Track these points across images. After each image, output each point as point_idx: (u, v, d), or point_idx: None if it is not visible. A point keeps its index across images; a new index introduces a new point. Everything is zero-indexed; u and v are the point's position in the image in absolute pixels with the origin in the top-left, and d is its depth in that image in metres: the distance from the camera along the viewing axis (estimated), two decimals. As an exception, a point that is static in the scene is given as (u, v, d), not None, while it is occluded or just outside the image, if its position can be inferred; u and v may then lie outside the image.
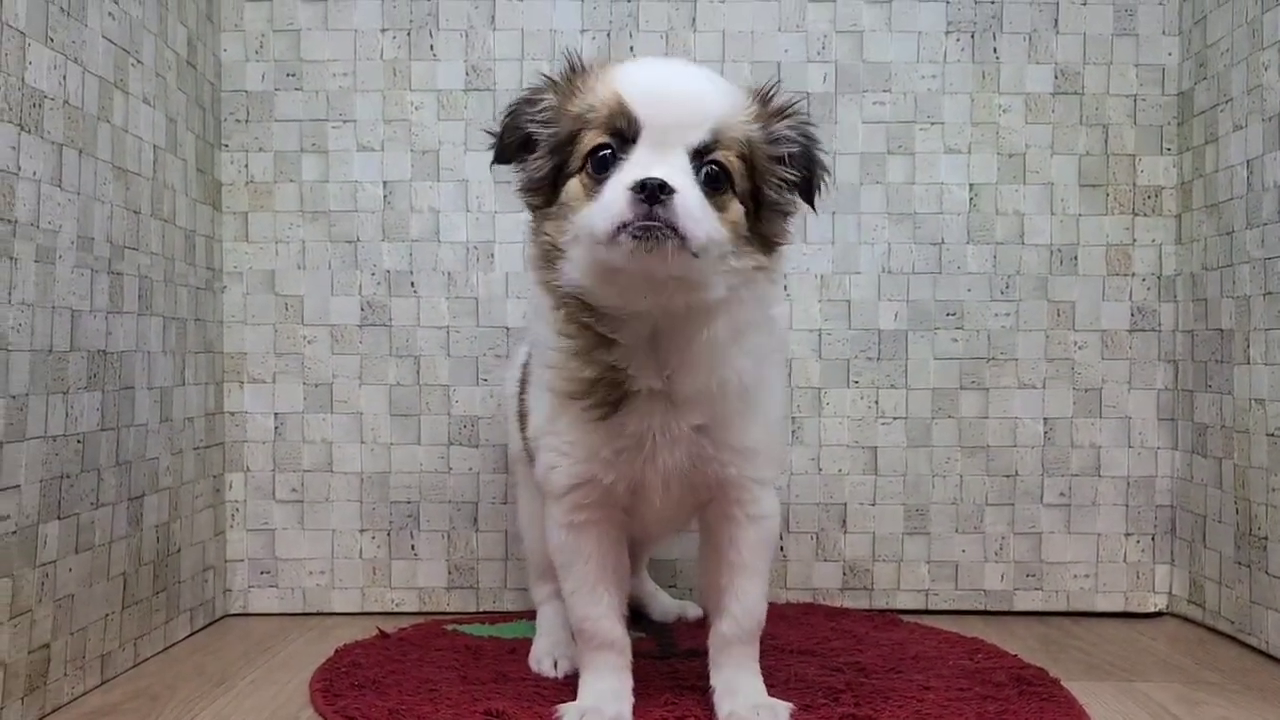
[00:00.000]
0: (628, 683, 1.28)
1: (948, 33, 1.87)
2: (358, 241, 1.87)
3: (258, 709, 1.36)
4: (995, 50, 1.87)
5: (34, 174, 1.29)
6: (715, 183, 1.10)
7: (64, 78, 1.35)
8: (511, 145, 1.18)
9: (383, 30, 1.86)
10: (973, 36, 1.87)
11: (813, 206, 1.22)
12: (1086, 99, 1.87)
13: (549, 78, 1.18)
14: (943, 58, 1.87)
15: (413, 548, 1.87)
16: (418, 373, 1.87)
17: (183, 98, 1.70)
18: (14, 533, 1.25)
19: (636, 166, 1.06)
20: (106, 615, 1.46)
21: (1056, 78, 1.87)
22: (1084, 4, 1.86)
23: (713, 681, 1.28)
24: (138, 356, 1.54)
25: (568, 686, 1.39)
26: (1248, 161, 1.66)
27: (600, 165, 1.09)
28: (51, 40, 1.32)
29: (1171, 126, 1.87)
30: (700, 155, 1.09)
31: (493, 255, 1.87)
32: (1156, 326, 1.88)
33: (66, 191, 1.36)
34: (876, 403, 1.88)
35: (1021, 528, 1.88)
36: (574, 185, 1.12)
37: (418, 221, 1.87)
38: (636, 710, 1.27)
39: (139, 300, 1.55)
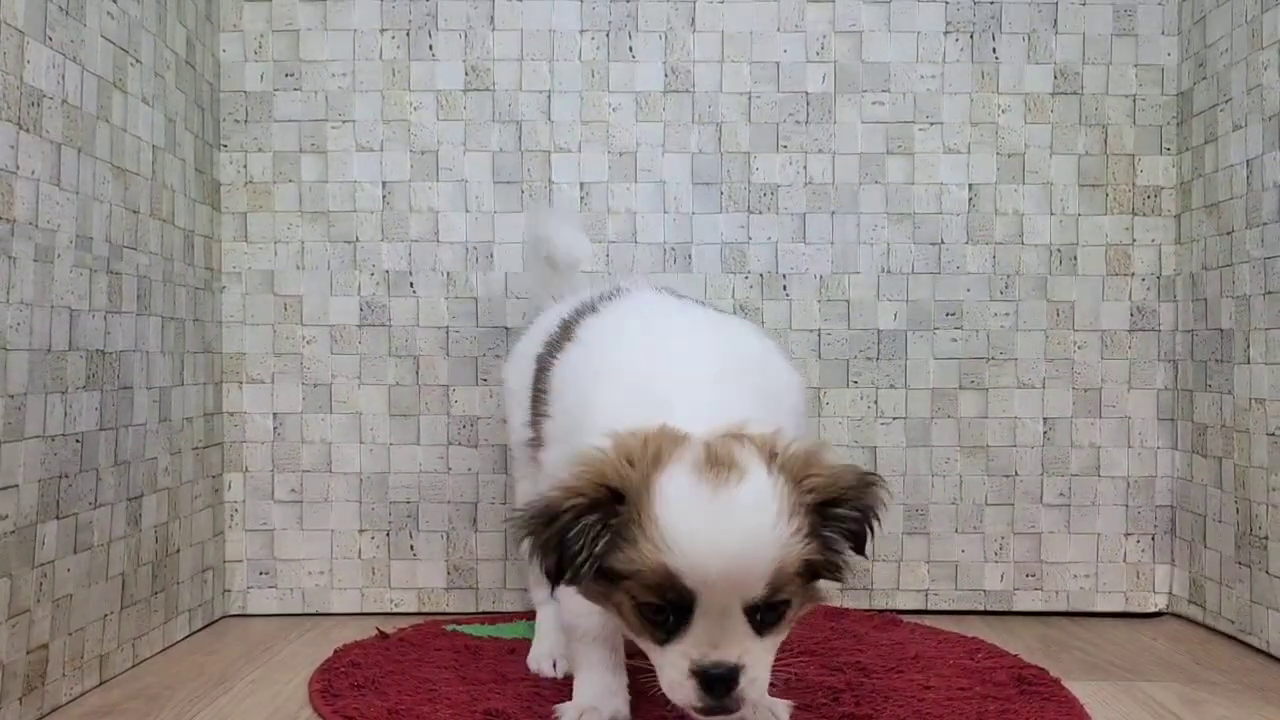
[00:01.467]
0: (623, 679, 1.24)
1: (946, 33, 1.87)
2: (357, 242, 1.87)
3: (257, 709, 1.36)
4: (994, 50, 1.87)
5: (32, 173, 1.29)
6: (776, 618, 1.05)
7: (63, 77, 1.35)
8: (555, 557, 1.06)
9: (382, 30, 1.86)
10: (971, 37, 1.87)
11: (862, 554, 1.13)
12: (1086, 99, 1.87)
13: (585, 498, 1.04)
14: (942, 58, 1.87)
15: (412, 548, 1.87)
16: (417, 373, 1.87)
17: (181, 97, 1.70)
18: (12, 532, 1.24)
19: (696, 643, 1.01)
20: (105, 615, 1.46)
21: (1055, 78, 1.87)
22: (1083, 4, 1.87)
23: None
24: (136, 356, 1.54)
25: (567, 687, 1.39)
26: (1247, 161, 1.66)
27: (653, 614, 1.03)
28: (50, 39, 1.32)
29: (1171, 126, 1.88)
30: (758, 607, 1.03)
31: (492, 255, 1.87)
32: (1156, 326, 1.88)
33: (65, 191, 1.36)
34: (876, 403, 1.88)
35: (1021, 528, 1.88)
36: (628, 607, 1.05)
37: (417, 222, 1.87)
38: (638, 713, 1.27)
39: (138, 300, 1.55)
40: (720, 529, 0.99)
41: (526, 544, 1.07)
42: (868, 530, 1.09)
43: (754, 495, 1.01)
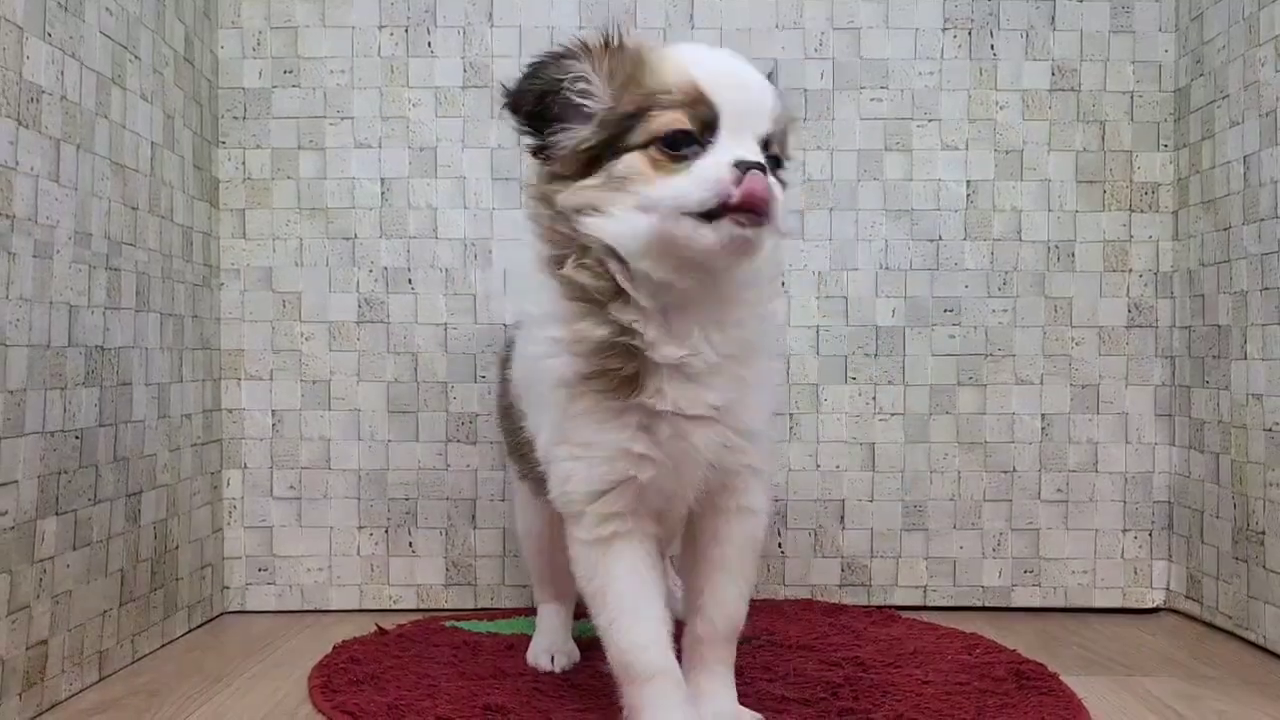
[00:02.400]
0: (694, 717, 1.14)
1: (945, 29, 1.87)
2: (355, 238, 1.87)
3: (256, 705, 1.36)
4: (992, 47, 1.87)
5: (31, 169, 1.29)
6: (775, 170, 1.08)
7: (61, 73, 1.35)
8: (535, 99, 1.12)
9: (380, 27, 1.86)
10: (970, 33, 1.87)
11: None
12: (1083, 96, 1.87)
13: (581, 43, 1.13)
14: (940, 54, 1.87)
15: (410, 545, 1.87)
16: (415, 370, 1.87)
17: (180, 94, 1.70)
18: (12, 528, 1.24)
19: (725, 150, 1.04)
20: (104, 612, 1.46)
21: (1053, 74, 1.87)
22: (1080, 1, 1.87)
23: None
24: (135, 353, 1.54)
25: (566, 682, 1.40)
26: (1244, 157, 1.67)
27: (673, 145, 1.05)
28: (49, 35, 1.32)
29: (1168, 123, 1.88)
30: (765, 144, 1.08)
31: (490, 252, 1.87)
32: (1153, 322, 1.88)
33: (64, 187, 1.36)
34: (874, 399, 1.88)
35: (1019, 524, 1.88)
36: (636, 160, 1.06)
37: (415, 218, 1.87)
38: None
39: (136, 296, 1.55)
40: (737, 63, 1.10)
41: (516, 96, 1.11)
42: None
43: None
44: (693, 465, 1.13)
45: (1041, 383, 1.88)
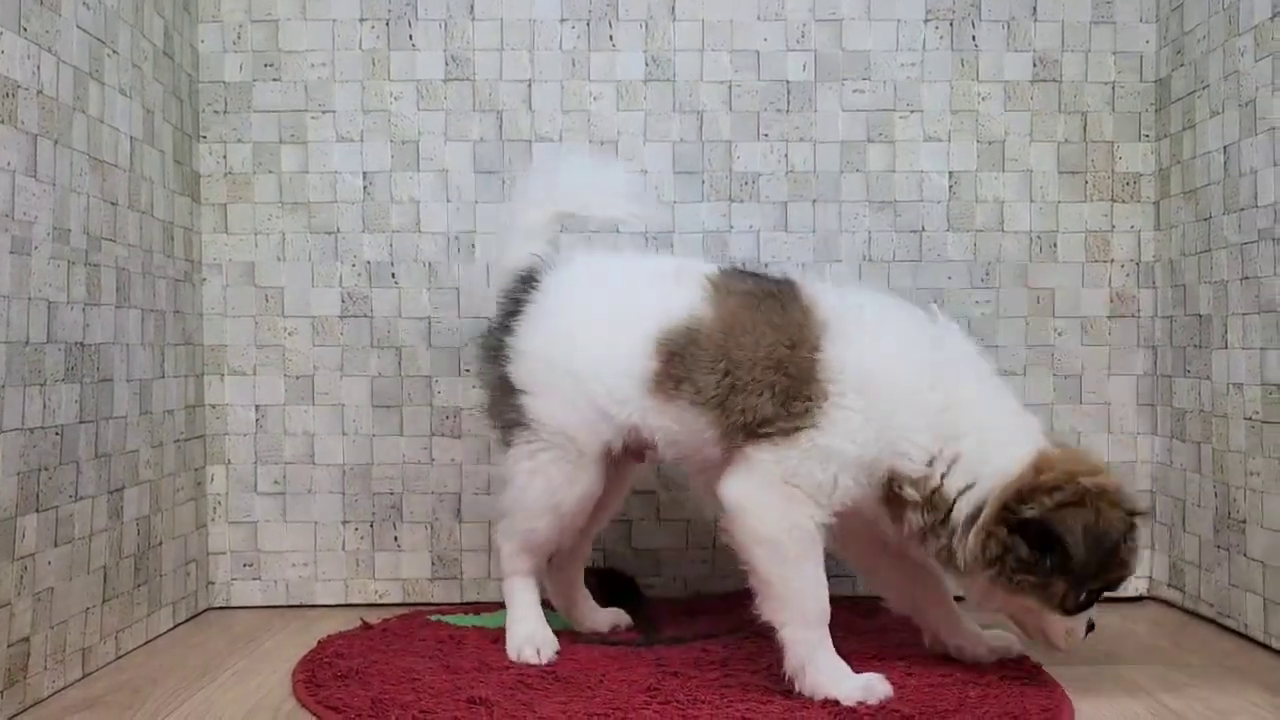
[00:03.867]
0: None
1: (926, 21, 1.88)
2: (338, 232, 1.86)
3: (240, 700, 1.36)
4: (974, 38, 1.88)
5: (8, 164, 1.28)
6: None
7: (38, 67, 1.34)
8: None
9: (361, 20, 1.86)
10: (951, 25, 1.88)
11: None
12: (1065, 86, 1.88)
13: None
14: (922, 46, 1.88)
15: (396, 539, 1.87)
16: (399, 364, 1.87)
17: (160, 89, 1.69)
18: (-8, 525, 1.24)
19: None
20: (87, 609, 1.45)
21: (1035, 65, 1.88)
22: (1062, -9, 1.87)
23: None
24: (116, 349, 1.54)
25: (549, 674, 1.40)
26: (1224, 147, 1.67)
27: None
28: (25, 30, 1.31)
29: (1149, 113, 1.88)
30: None
31: (474, 245, 1.86)
32: (1136, 312, 1.89)
33: (42, 182, 1.35)
34: (858, 390, 1.88)
35: (1003, 514, 1.88)
36: (1066, 593, 1.32)
37: (398, 212, 1.86)
38: (622, 693, 1.28)
39: (117, 292, 1.54)
40: None
41: (1084, 560, 1.28)
42: None
43: None
44: None
45: (1025, 373, 1.88)
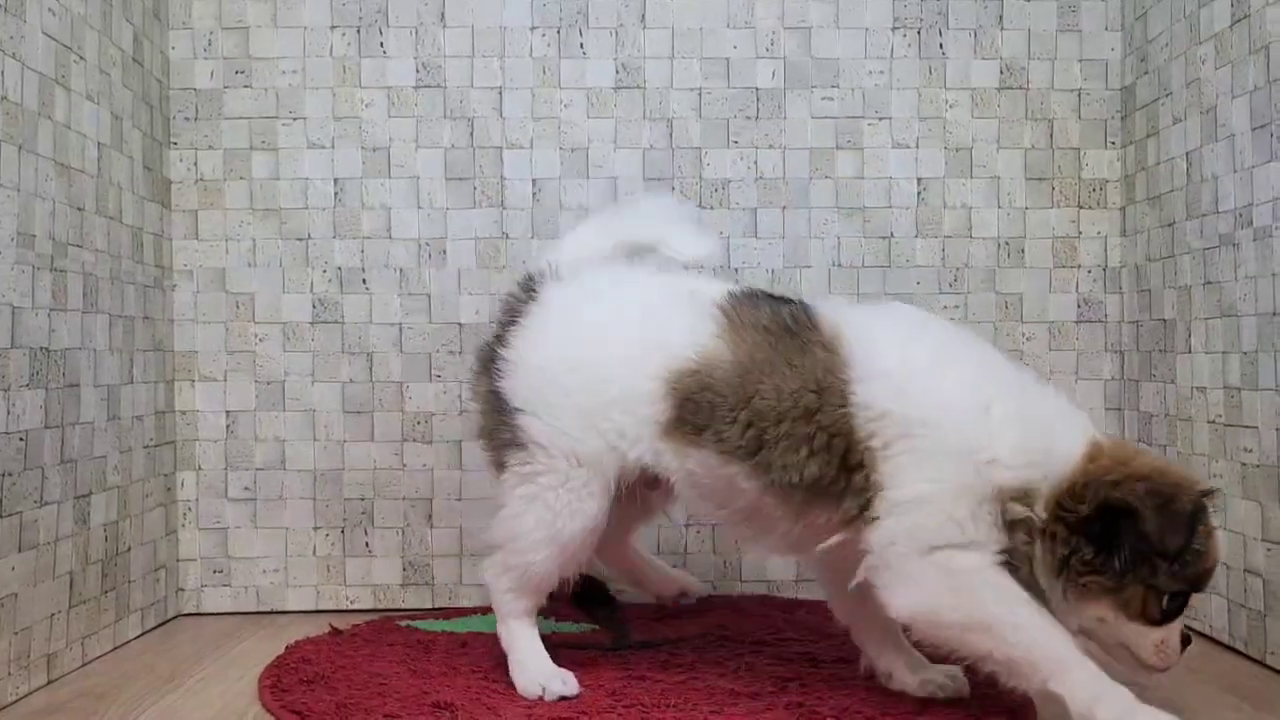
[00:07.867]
0: None
1: (894, 29, 1.89)
2: (309, 239, 1.86)
3: (205, 706, 1.35)
4: (941, 46, 1.89)
5: (-28, 170, 1.28)
6: None
7: (1, 73, 1.34)
8: None
9: (332, 27, 1.86)
10: (919, 33, 1.89)
11: None
12: (1031, 94, 1.90)
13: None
14: (890, 54, 1.89)
15: (367, 545, 1.87)
16: (370, 370, 1.87)
17: (129, 95, 1.69)
18: (-46, 531, 1.24)
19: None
20: (52, 615, 1.45)
21: (1002, 73, 1.90)
22: (1028, 0, 1.89)
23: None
24: (83, 354, 1.53)
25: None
26: (1187, 154, 1.69)
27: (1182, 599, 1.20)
28: (-11, 35, 1.32)
29: (1115, 120, 1.90)
30: None
31: (444, 251, 1.87)
32: (1103, 317, 1.90)
33: (6, 188, 1.35)
34: (828, 395, 1.89)
35: (972, 518, 1.89)
36: (1149, 598, 1.19)
37: (369, 218, 1.87)
38: (586, 697, 1.28)
39: (84, 298, 1.54)
40: None
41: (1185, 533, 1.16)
42: None
43: None
44: None
45: (993, 378, 1.89)
